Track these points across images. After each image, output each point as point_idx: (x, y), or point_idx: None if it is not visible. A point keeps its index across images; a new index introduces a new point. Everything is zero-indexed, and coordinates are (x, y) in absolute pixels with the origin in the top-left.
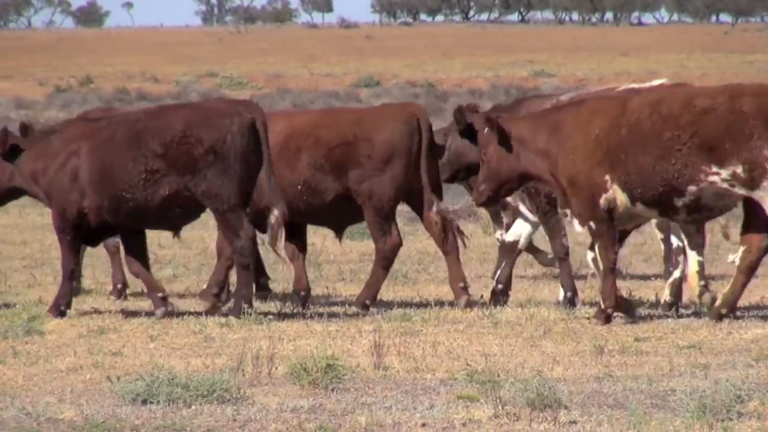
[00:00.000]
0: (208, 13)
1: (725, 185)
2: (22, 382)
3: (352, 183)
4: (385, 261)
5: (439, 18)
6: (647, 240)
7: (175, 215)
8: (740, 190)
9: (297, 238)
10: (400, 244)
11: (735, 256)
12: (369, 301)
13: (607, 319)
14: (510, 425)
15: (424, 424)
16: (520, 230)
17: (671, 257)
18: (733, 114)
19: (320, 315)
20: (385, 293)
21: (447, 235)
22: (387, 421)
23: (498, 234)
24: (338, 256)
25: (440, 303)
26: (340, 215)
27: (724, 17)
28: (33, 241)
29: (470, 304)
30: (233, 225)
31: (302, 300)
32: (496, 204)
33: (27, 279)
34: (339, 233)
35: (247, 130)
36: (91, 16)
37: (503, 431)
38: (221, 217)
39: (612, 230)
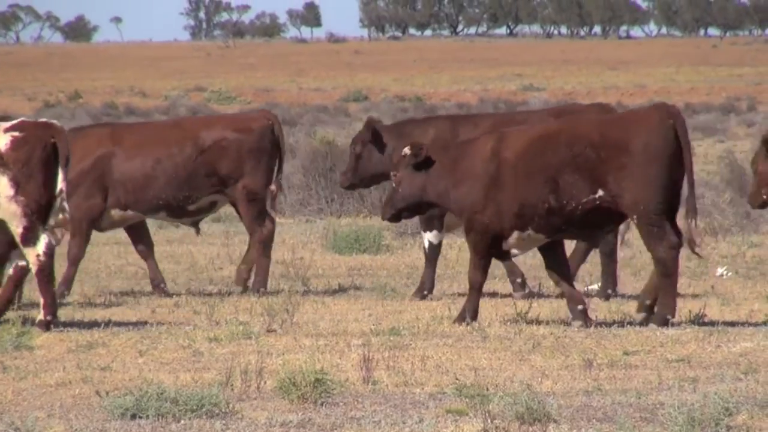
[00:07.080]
0: (197, 28)
1: None
2: (11, 397)
3: None
4: None
5: (428, 32)
6: (635, 254)
7: None
8: None
9: None
10: None
11: (723, 269)
12: None
13: None
14: None
15: None
16: None
17: None
18: None
19: (309, 329)
20: (374, 307)
21: None
22: None
23: None
24: (327, 270)
25: (429, 317)
26: None
27: (713, 31)
28: None
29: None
30: None
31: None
32: None
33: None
34: None
35: None
36: (79, 31)
37: None
38: None
39: None
